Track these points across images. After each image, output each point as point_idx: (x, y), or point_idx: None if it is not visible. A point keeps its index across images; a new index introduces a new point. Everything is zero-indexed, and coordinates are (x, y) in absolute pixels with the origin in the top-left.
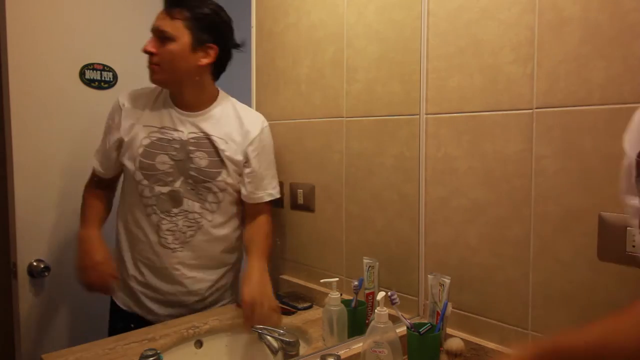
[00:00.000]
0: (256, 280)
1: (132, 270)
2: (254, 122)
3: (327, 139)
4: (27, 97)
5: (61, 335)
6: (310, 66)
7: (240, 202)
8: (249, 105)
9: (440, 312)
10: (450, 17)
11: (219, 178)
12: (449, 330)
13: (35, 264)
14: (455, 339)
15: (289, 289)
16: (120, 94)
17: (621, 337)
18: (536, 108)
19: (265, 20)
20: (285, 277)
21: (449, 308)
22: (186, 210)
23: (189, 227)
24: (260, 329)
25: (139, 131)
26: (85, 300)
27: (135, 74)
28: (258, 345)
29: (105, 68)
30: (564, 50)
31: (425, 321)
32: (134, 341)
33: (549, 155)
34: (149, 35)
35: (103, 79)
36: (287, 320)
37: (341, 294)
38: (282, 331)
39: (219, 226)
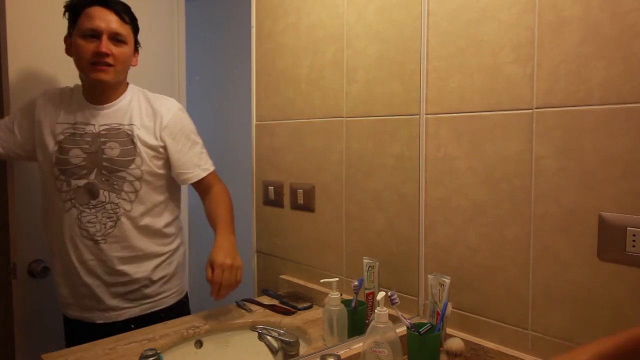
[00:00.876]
0: (224, 245)
1: (62, 270)
2: (166, 107)
3: (327, 139)
4: (27, 97)
5: (61, 335)
6: (310, 66)
7: (167, 190)
8: (249, 105)
9: (440, 312)
10: (450, 17)
11: (132, 166)
12: (449, 330)
13: (35, 264)
14: (455, 339)
15: (289, 289)
16: (41, 93)
17: None
18: (536, 108)
19: (265, 20)
20: (285, 277)
21: (449, 308)
22: (103, 202)
23: (108, 217)
24: (261, 329)
25: (54, 129)
26: None
27: (134, 74)
28: (258, 345)
29: None
30: (564, 50)
31: (425, 321)
32: (134, 341)
33: (549, 155)
34: (150, 35)
35: None
36: (287, 320)
37: (341, 294)
38: (282, 331)
39: (141, 215)
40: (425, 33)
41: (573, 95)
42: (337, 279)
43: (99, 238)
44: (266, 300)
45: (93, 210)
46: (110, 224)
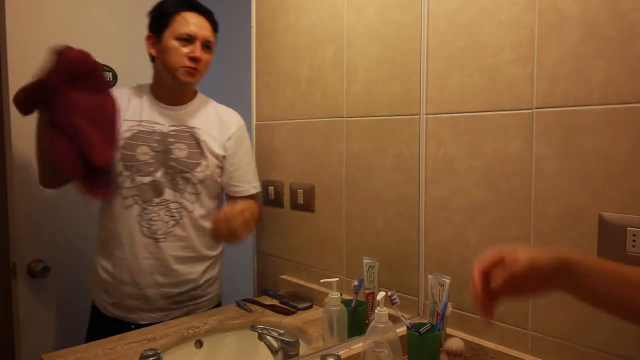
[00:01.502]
0: (243, 202)
1: (112, 269)
2: (232, 119)
3: (327, 139)
4: None
5: (61, 335)
6: (310, 66)
7: (219, 198)
8: (249, 105)
9: (440, 312)
10: (450, 17)
11: (198, 169)
12: (449, 330)
13: (35, 264)
14: (455, 339)
15: (289, 289)
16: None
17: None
18: (536, 108)
19: (265, 20)
20: (285, 277)
21: (449, 308)
22: (167, 200)
23: (170, 217)
24: (261, 329)
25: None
26: (85, 300)
27: (135, 74)
28: (258, 345)
29: (105, 68)
30: (564, 50)
31: (425, 321)
32: (134, 341)
33: (549, 155)
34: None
35: None
36: (287, 320)
37: (341, 294)
38: (282, 331)
39: (199, 218)
40: (425, 33)
41: (573, 95)
42: (337, 279)
43: (159, 236)
44: (266, 300)
45: (156, 208)
46: (172, 222)
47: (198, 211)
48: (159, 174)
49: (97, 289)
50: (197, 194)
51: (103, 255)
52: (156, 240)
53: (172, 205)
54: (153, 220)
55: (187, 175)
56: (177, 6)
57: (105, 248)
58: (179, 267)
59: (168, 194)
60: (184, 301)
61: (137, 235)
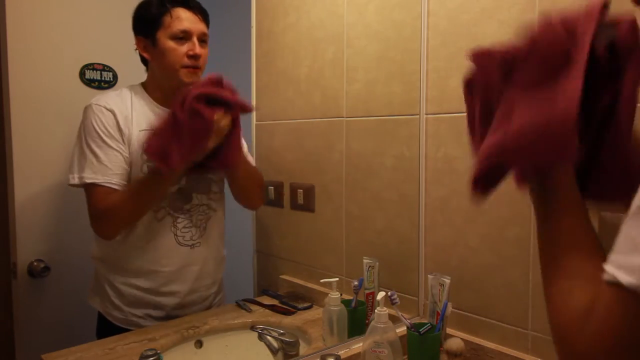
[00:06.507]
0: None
1: (145, 284)
2: None
3: (327, 139)
4: (27, 97)
5: (61, 335)
6: (310, 66)
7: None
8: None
9: (440, 312)
10: (450, 17)
11: None
12: (449, 330)
13: (35, 264)
14: (455, 339)
15: (289, 289)
16: (96, 100)
17: None
18: None
19: (265, 20)
20: (285, 277)
21: (449, 308)
22: (197, 204)
23: (201, 220)
24: (261, 329)
25: (139, 137)
26: (85, 300)
27: (135, 74)
28: (258, 345)
29: (105, 68)
30: None
31: (425, 321)
32: (134, 341)
33: None
34: None
35: (103, 79)
36: (287, 320)
37: (341, 294)
38: (282, 331)
39: (223, 216)
40: (425, 33)
41: None
42: (337, 279)
43: (195, 242)
44: (266, 300)
45: (188, 215)
46: (203, 225)
47: (221, 210)
48: (183, 181)
49: (114, 305)
50: (220, 192)
51: (130, 274)
52: (192, 246)
53: (201, 209)
54: (187, 228)
55: (209, 175)
56: (164, 4)
57: (133, 265)
58: (211, 268)
59: (196, 197)
60: (201, 301)
61: (174, 246)
